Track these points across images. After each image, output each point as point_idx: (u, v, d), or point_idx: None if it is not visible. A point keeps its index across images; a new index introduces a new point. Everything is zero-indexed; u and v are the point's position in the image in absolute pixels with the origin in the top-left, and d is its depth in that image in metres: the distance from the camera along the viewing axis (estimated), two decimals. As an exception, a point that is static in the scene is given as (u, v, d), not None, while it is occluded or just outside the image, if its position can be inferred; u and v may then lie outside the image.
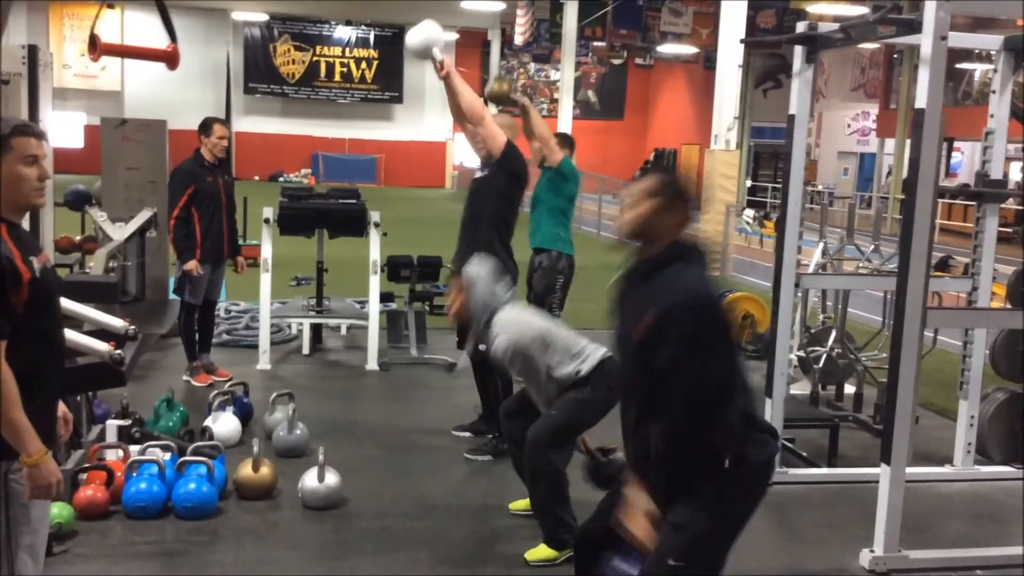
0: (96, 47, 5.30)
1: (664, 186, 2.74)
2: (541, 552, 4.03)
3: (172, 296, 8.08)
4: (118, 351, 3.55)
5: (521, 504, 4.46)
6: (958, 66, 21.95)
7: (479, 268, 4.10)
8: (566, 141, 6.34)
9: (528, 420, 4.03)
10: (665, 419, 2.60)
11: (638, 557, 2.73)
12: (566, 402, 3.91)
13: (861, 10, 16.00)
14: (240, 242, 7.01)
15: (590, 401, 3.89)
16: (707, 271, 2.73)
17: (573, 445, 3.99)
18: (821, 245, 7.09)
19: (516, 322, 3.97)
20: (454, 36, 32.05)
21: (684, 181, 2.82)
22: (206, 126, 6.35)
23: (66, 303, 3.60)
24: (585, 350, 3.94)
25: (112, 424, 4.72)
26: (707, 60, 24.36)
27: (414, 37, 5.16)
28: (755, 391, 2.85)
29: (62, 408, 2.78)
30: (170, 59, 5.41)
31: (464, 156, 34.13)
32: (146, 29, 26.24)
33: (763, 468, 2.75)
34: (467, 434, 5.62)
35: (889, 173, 25.93)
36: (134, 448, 4.57)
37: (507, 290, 4.15)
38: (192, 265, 6.21)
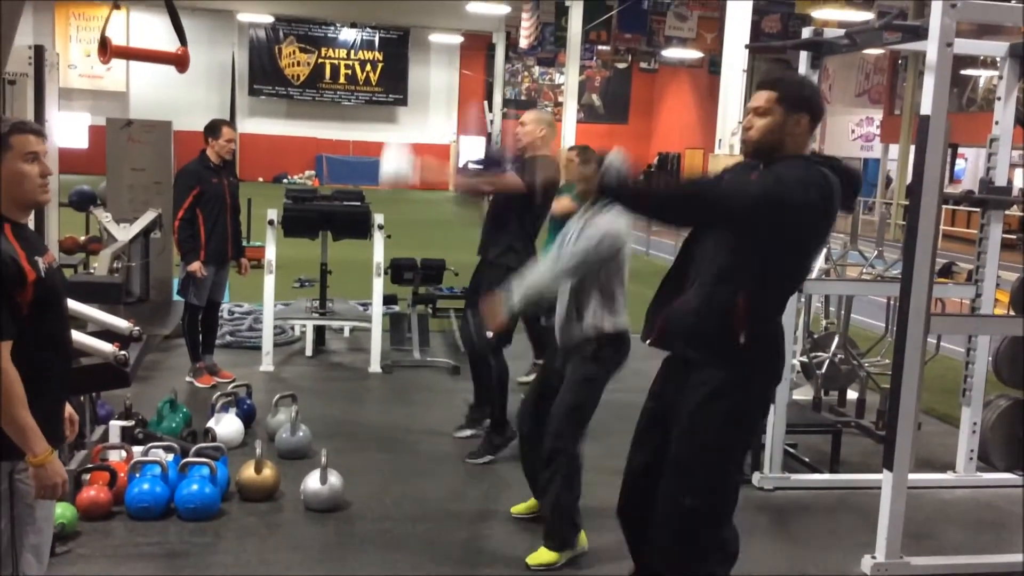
0: (107, 50, 5.30)
1: (777, 99, 2.63)
2: (542, 556, 4.03)
3: (176, 297, 8.09)
4: (123, 352, 3.55)
5: (522, 507, 4.47)
6: (963, 72, 21.94)
7: (618, 157, 4.11)
8: (585, 151, 6.31)
9: (542, 421, 4.04)
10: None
11: None
12: (575, 384, 3.95)
13: (866, 16, 16.00)
14: (244, 243, 7.01)
15: (596, 380, 3.97)
16: (830, 174, 2.62)
17: (586, 428, 4.05)
18: (824, 250, 7.09)
19: (626, 221, 3.93)
20: (459, 39, 32.14)
21: (797, 85, 2.69)
22: (214, 128, 6.34)
23: (71, 304, 3.60)
24: (623, 312, 3.97)
25: (115, 425, 4.73)
26: (712, 65, 24.37)
27: (387, 167, 5.13)
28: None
29: (68, 409, 2.79)
30: (180, 62, 5.40)
31: (469, 159, 34.14)
32: (152, 30, 26.32)
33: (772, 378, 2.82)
34: (467, 432, 5.64)
35: (888, 184, 25.92)
36: (137, 449, 4.58)
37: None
38: (196, 266, 6.22)
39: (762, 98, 2.65)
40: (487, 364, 5.26)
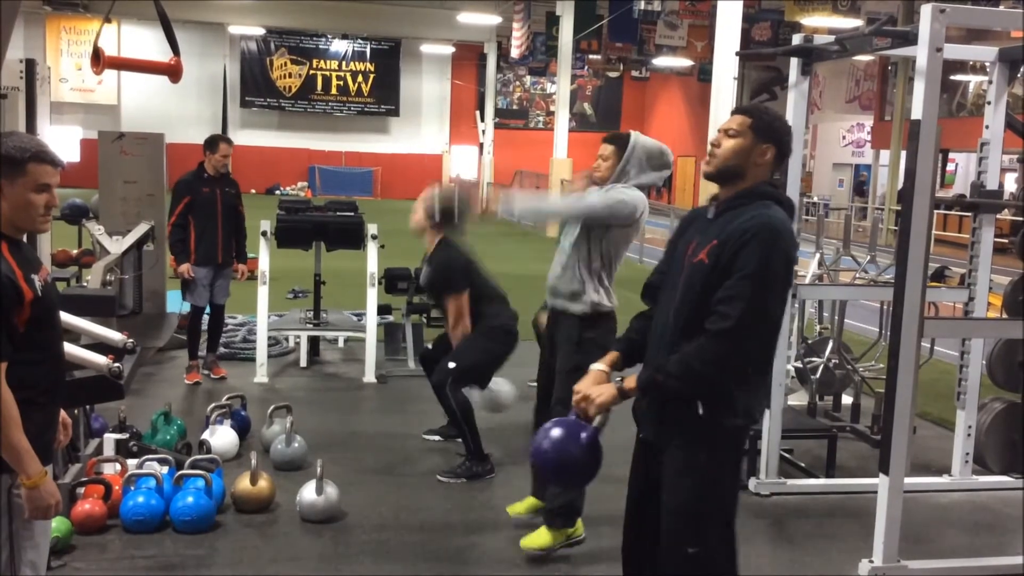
0: (100, 61, 5.30)
1: (749, 124, 2.64)
2: (536, 539, 4.06)
3: (169, 309, 8.09)
4: (117, 364, 3.54)
5: (520, 508, 4.45)
6: (952, 77, 22.06)
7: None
8: None
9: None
10: (703, 340, 2.51)
11: (569, 422, 2.73)
12: (567, 378, 3.99)
13: (856, 23, 16.07)
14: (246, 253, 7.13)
15: (582, 367, 4.03)
16: (790, 216, 2.62)
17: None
18: (817, 256, 7.11)
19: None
20: (450, 50, 32.19)
21: (771, 117, 2.69)
22: (212, 143, 6.79)
23: (64, 317, 3.59)
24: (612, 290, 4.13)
25: (110, 438, 4.71)
26: (702, 72, 24.43)
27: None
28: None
29: (62, 414, 2.77)
30: (173, 72, 5.40)
31: (460, 168, 34.23)
32: (143, 42, 26.35)
33: (738, 432, 2.70)
34: (436, 437, 5.70)
35: (860, 189, 26.03)
36: (132, 462, 4.57)
37: None
38: (184, 268, 6.65)
39: (735, 121, 2.67)
40: (446, 395, 5.08)
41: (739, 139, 2.64)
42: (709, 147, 2.71)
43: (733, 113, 2.73)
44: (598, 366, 2.79)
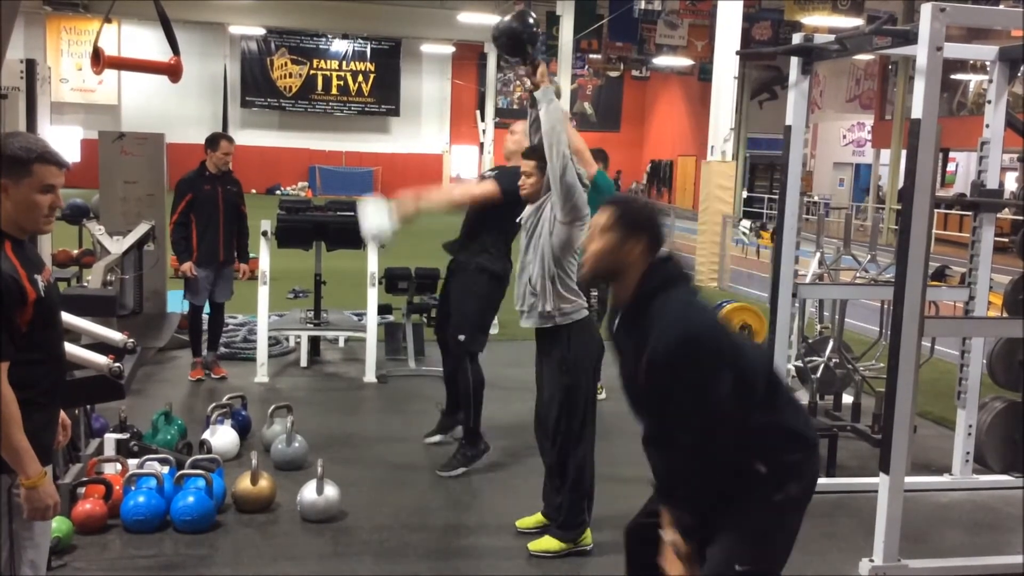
0: (100, 60, 5.30)
1: (616, 218, 2.60)
2: (544, 543, 4.05)
3: (170, 309, 8.10)
4: (117, 364, 3.54)
5: (529, 522, 4.42)
6: (953, 77, 22.06)
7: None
8: (599, 155, 6.33)
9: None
10: (678, 450, 2.56)
11: None
12: (568, 369, 4.07)
13: (856, 22, 16.06)
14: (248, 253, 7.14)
15: (571, 386, 4.09)
16: (691, 290, 2.60)
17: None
18: (818, 255, 7.11)
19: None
20: (450, 50, 32.21)
21: (638, 207, 2.66)
22: (213, 141, 6.80)
23: (65, 317, 3.59)
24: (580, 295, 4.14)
25: (110, 438, 4.71)
26: (702, 72, 24.45)
27: (366, 225, 5.05)
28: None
29: (61, 414, 2.77)
30: (173, 71, 5.40)
31: (461, 168, 34.24)
32: (143, 42, 26.35)
33: (794, 468, 2.70)
34: (436, 437, 5.68)
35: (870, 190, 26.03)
36: (132, 462, 4.57)
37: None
38: (187, 266, 6.66)
39: (604, 215, 2.64)
40: (464, 371, 5.10)
41: (608, 235, 2.59)
42: (584, 249, 2.70)
43: (602, 206, 2.67)
44: (668, 538, 2.70)
